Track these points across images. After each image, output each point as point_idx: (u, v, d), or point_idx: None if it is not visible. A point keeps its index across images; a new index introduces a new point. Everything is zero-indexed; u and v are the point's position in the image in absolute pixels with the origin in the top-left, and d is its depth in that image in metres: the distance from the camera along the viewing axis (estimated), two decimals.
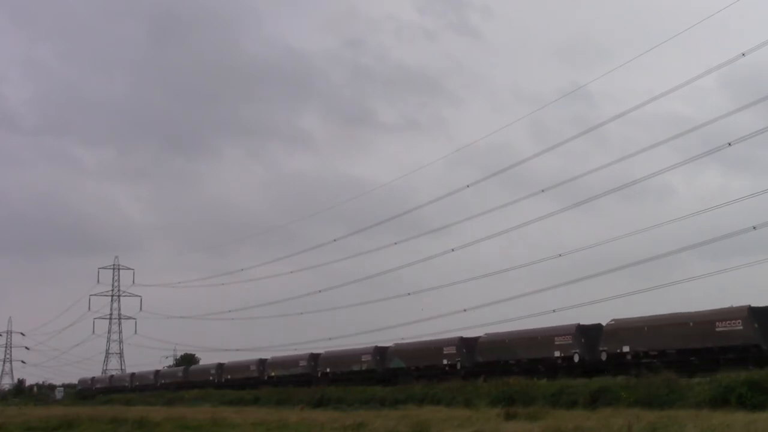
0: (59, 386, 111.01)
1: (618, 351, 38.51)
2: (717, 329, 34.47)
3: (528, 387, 34.90)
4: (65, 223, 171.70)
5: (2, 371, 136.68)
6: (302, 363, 62.51)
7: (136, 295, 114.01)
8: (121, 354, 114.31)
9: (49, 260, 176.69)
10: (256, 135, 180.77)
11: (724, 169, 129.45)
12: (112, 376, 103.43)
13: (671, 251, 46.84)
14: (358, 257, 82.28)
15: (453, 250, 58.95)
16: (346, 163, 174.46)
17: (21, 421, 34.00)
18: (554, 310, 46.90)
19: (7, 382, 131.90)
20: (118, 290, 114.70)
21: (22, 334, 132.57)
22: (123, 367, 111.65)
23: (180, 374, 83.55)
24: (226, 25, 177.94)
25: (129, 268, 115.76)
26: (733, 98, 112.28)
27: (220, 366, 75.50)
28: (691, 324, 35.81)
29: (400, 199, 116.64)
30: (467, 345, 48.17)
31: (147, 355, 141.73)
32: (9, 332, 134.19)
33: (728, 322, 34.23)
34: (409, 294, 62.04)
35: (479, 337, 48.15)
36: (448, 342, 49.59)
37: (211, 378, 75.03)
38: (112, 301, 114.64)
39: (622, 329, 38.97)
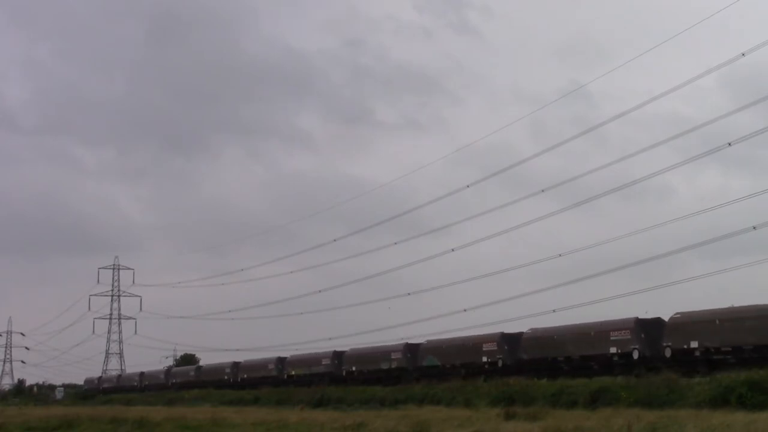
0: (59, 386, 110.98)
1: (684, 347, 35.40)
2: None
3: (528, 387, 34.91)
4: (65, 223, 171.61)
5: (2, 371, 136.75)
6: (325, 361, 60.01)
7: (136, 295, 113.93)
8: (121, 354, 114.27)
9: (49, 260, 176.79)
10: (256, 135, 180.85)
11: (724, 169, 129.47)
12: (120, 375, 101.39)
13: (671, 251, 46.74)
14: (358, 257, 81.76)
15: (453, 250, 58.81)
16: (346, 163, 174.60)
17: (21, 421, 34.04)
18: (554, 310, 46.88)
19: (7, 382, 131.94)
20: (118, 290, 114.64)
21: (22, 334, 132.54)
22: (123, 368, 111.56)
23: (192, 373, 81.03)
24: (225, 25, 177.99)
25: (129, 268, 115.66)
26: (733, 98, 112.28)
27: (236, 365, 72.82)
28: None
29: (400, 199, 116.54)
30: (510, 341, 45.04)
31: (147, 355, 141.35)
32: (9, 332, 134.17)
33: None
34: (409, 294, 62.04)
35: (522, 332, 45.21)
36: (489, 338, 46.43)
37: (225, 377, 72.59)
38: (112, 301, 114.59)
39: (690, 323, 35.80)
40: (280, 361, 66.19)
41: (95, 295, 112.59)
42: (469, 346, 47.42)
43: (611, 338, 39.03)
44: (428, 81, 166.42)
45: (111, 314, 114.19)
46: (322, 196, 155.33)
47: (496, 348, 45.45)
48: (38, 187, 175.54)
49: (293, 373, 63.49)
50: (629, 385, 30.10)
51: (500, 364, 44.62)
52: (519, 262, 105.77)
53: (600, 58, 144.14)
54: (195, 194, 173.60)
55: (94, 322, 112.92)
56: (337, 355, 59.21)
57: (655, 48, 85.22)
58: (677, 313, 37.13)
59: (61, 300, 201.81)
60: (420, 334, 59.67)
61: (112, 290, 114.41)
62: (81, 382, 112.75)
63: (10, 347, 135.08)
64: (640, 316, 38.73)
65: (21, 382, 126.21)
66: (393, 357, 53.38)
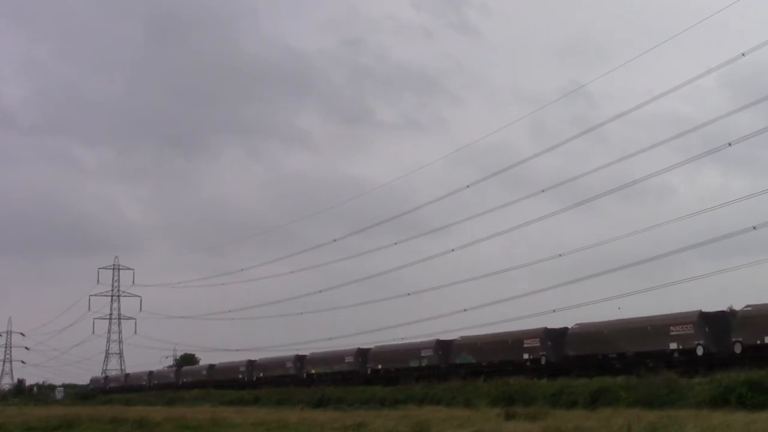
0: (59, 386, 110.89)
1: (758, 342, 32.86)
2: None
3: (528, 387, 34.91)
4: (65, 223, 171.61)
5: (2, 371, 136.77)
6: (348, 359, 57.88)
7: (136, 295, 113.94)
8: (120, 354, 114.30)
9: (49, 260, 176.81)
10: (256, 135, 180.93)
11: (724, 169, 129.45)
12: (127, 374, 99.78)
13: (671, 251, 46.68)
14: (358, 257, 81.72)
15: (453, 250, 58.79)
16: (346, 163, 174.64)
17: (21, 421, 34.04)
18: (554, 310, 46.80)
19: (7, 382, 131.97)
20: (118, 290, 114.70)
21: (22, 334, 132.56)
22: (123, 368, 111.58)
23: (204, 372, 79.09)
24: (225, 25, 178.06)
25: (129, 268, 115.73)
26: (733, 98, 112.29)
27: (251, 363, 70.80)
28: None
29: (400, 199, 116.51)
30: (554, 336, 42.39)
31: (147, 355, 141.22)
32: (9, 332, 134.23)
33: None
34: (409, 294, 61.95)
35: (567, 327, 42.74)
36: (531, 333, 43.75)
37: (240, 376, 70.73)
38: (112, 301, 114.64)
39: (763, 316, 33.30)
40: (299, 359, 64.06)
41: (95, 295, 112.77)
42: (509, 343, 44.77)
43: (671, 333, 36.36)
44: (428, 81, 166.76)
45: (111, 314, 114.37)
46: (322, 196, 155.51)
47: (539, 344, 42.81)
48: (38, 187, 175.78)
49: (313, 371, 61.51)
50: (629, 385, 30.10)
51: (543, 361, 42.27)
52: (519, 262, 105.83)
53: (600, 58, 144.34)
54: (195, 194, 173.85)
55: (94, 322, 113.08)
56: (362, 353, 56.99)
57: (655, 48, 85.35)
58: (748, 306, 34.93)
59: (61, 300, 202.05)
60: (420, 334, 59.59)
61: (112, 290, 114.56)
62: (81, 382, 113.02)
63: (10, 347, 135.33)
64: (703, 310, 36.43)
65: (21, 382, 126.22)
66: (423, 354, 51.00)
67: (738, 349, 33.81)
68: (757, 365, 29.25)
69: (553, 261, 49.58)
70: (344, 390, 47.64)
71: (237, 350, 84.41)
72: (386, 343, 56.19)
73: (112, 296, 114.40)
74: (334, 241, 76.45)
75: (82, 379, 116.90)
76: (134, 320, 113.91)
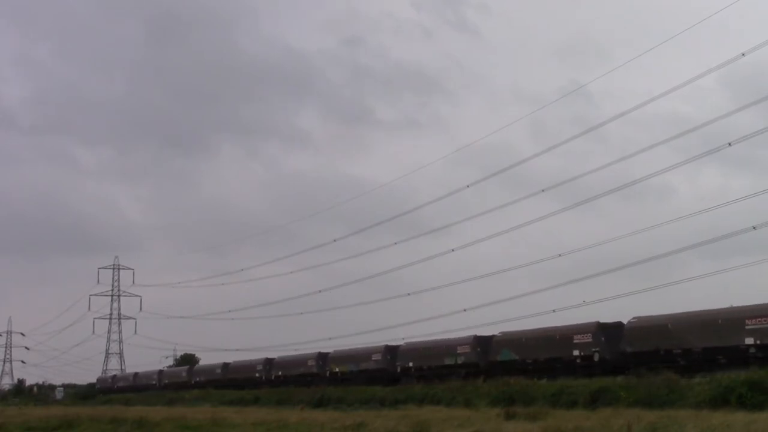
0: (59, 386, 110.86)
1: None
2: None
3: (528, 387, 34.92)
4: (65, 223, 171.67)
5: (2, 371, 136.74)
6: (376, 357, 55.11)
7: (136, 295, 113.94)
8: (121, 354, 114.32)
9: (49, 260, 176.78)
10: (256, 135, 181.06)
11: (724, 169, 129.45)
12: (137, 373, 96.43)
13: (671, 251, 46.65)
14: (358, 257, 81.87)
15: (453, 250, 58.73)
16: (346, 163, 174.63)
17: (21, 421, 34.02)
18: (554, 310, 46.75)
19: (7, 382, 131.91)
20: (118, 290, 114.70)
21: (22, 334, 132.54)
22: (123, 368, 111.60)
23: (218, 371, 76.09)
24: (225, 25, 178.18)
25: (129, 268, 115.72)
26: (733, 98, 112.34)
27: (269, 362, 68.54)
28: None
29: (400, 199, 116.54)
30: (609, 331, 39.81)
31: (147, 355, 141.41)
32: (9, 332, 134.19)
33: None
34: (409, 294, 61.86)
35: (620, 321, 40.18)
36: (582, 328, 41.05)
37: (257, 375, 68.38)
38: (112, 301, 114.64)
39: None
40: (322, 356, 61.73)
41: (95, 295, 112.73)
42: (557, 339, 42.08)
43: (747, 327, 33.34)
44: (428, 81, 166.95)
45: (111, 314, 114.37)
46: (322, 196, 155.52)
47: (590, 340, 40.05)
48: (38, 187, 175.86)
49: (337, 370, 59.22)
50: (629, 385, 30.11)
51: (596, 358, 39.50)
52: (519, 262, 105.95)
53: (600, 58, 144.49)
54: (195, 194, 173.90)
55: (94, 322, 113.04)
56: (390, 350, 54.42)
57: (655, 48, 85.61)
58: None
59: (61, 300, 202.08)
60: (420, 333, 59.59)
61: (112, 290, 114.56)
62: (81, 382, 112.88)
63: (10, 347, 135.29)
64: None
65: (21, 382, 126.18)
66: (459, 351, 48.30)
67: None
68: None
69: (553, 261, 49.62)
70: (344, 390, 47.63)
71: (237, 350, 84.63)
72: (417, 339, 54.02)
73: (112, 296, 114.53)
74: (334, 241, 76.48)
75: (82, 379, 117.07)
76: (134, 320, 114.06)
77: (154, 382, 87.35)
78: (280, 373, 66.00)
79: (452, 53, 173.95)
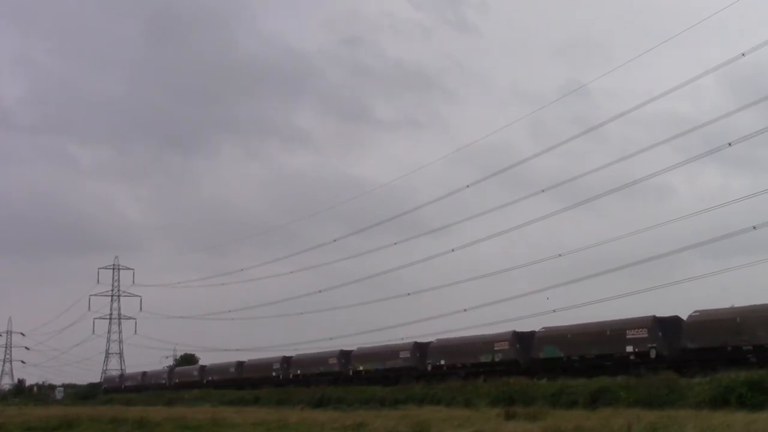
0: (59, 386, 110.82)
1: None
2: None
3: (528, 387, 34.93)
4: (65, 223, 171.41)
5: (2, 371, 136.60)
6: (404, 354, 52.76)
7: (136, 295, 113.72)
8: (121, 354, 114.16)
9: (49, 260, 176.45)
10: (255, 134, 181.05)
11: (724, 169, 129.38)
12: (145, 373, 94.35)
13: (672, 251, 46.60)
14: (358, 257, 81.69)
15: (453, 250, 58.59)
16: (346, 162, 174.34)
17: (21, 421, 34.03)
18: (554, 310, 46.67)
19: (7, 382, 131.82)
20: (118, 290, 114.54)
21: (22, 334, 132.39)
22: (123, 368, 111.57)
23: (233, 370, 73.52)
24: (225, 25, 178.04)
25: (129, 268, 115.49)
26: (733, 98, 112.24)
27: (287, 360, 65.91)
28: None
29: (400, 199, 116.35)
30: (667, 326, 37.10)
31: (147, 355, 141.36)
32: (9, 332, 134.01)
33: None
34: (409, 294, 61.79)
35: (677, 316, 37.65)
36: (637, 323, 38.27)
37: (274, 374, 65.96)
38: (112, 301, 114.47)
39: None
40: (344, 354, 59.18)
41: (95, 295, 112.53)
42: (607, 335, 39.49)
43: None
44: (428, 80, 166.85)
45: (111, 314, 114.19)
46: (322, 196, 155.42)
47: (646, 335, 37.55)
48: (38, 187, 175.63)
49: (361, 368, 56.74)
50: (629, 385, 30.12)
51: (653, 354, 36.87)
52: (519, 262, 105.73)
53: (600, 58, 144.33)
54: (195, 194, 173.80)
55: (94, 322, 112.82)
56: (420, 348, 52.06)
57: (655, 48, 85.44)
58: None
59: (61, 300, 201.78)
60: (420, 333, 59.45)
61: (112, 290, 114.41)
62: (81, 382, 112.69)
63: (10, 347, 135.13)
64: None
65: (21, 382, 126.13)
66: (497, 348, 45.61)
67: None
68: None
69: (553, 261, 49.53)
70: (344, 390, 47.61)
71: (237, 350, 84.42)
72: (449, 336, 51.38)
73: (112, 296, 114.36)
74: (334, 241, 76.35)
75: (82, 379, 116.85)
76: (134, 320, 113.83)
77: (164, 382, 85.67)
78: (298, 371, 63.74)
79: (452, 53, 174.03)
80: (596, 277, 48.60)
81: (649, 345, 37.16)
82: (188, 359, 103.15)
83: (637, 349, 37.71)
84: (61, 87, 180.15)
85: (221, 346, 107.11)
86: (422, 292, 64.08)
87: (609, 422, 20.77)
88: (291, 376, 63.88)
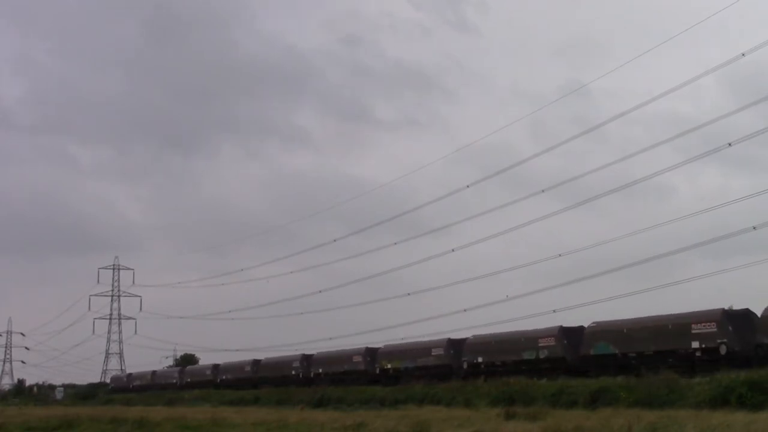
0: (59, 386, 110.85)
1: None
2: None
3: (528, 387, 34.89)
4: (65, 223, 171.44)
5: (2, 371, 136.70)
6: (437, 352, 50.29)
7: (136, 295, 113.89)
8: (121, 354, 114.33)
9: (49, 260, 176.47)
10: (255, 134, 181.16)
11: (724, 169, 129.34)
12: (154, 372, 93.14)
13: (672, 251, 46.55)
14: (358, 257, 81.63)
15: (453, 250, 58.59)
16: (346, 162, 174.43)
17: (21, 421, 34.03)
18: (554, 310, 46.58)
19: (7, 382, 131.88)
20: (118, 290, 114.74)
21: (22, 334, 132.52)
22: (123, 368, 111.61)
23: (248, 368, 71.42)
24: (224, 24, 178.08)
25: (129, 268, 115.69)
26: (733, 98, 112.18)
27: (307, 358, 63.62)
28: None
29: (400, 199, 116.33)
30: (736, 320, 34.36)
31: (147, 355, 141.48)
32: (9, 332, 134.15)
33: None
34: (409, 294, 61.70)
35: (748, 309, 35.01)
36: (703, 316, 35.22)
37: (294, 372, 63.78)
38: (112, 301, 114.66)
39: None
40: (370, 352, 56.45)
41: (95, 295, 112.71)
42: (668, 329, 36.44)
43: None
44: (427, 80, 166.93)
45: (111, 314, 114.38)
46: (322, 196, 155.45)
47: (715, 329, 34.42)
48: (38, 187, 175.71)
49: (389, 366, 54.10)
50: (629, 385, 30.11)
51: (723, 350, 33.86)
52: (519, 262, 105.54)
53: (600, 58, 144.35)
54: (195, 194, 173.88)
55: (94, 322, 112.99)
56: (455, 344, 49.10)
57: (655, 48, 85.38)
58: None
59: (61, 300, 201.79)
60: (420, 333, 59.29)
61: (112, 290, 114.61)
62: (81, 382, 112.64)
63: (10, 347, 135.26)
64: None
65: (21, 382, 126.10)
66: (541, 345, 42.84)
67: None
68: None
69: (553, 261, 49.49)
70: (344, 390, 47.59)
71: (237, 350, 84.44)
72: (486, 333, 48.86)
73: (112, 296, 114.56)
74: (334, 241, 76.43)
75: (82, 379, 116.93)
76: (134, 320, 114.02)
77: (174, 381, 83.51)
78: (320, 370, 61.31)
79: (452, 53, 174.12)
80: (596, 277, 48.63)
81: (719, 340, 34.16)
82: (188, 359, 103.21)
83: (704, 345, 34.67)
84: (61, 87, 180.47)
85: (221, 346, 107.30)
86: (422, 292, 64.14)
87: (609, 422, 20.76)
88: (312, 374, 61.88)
